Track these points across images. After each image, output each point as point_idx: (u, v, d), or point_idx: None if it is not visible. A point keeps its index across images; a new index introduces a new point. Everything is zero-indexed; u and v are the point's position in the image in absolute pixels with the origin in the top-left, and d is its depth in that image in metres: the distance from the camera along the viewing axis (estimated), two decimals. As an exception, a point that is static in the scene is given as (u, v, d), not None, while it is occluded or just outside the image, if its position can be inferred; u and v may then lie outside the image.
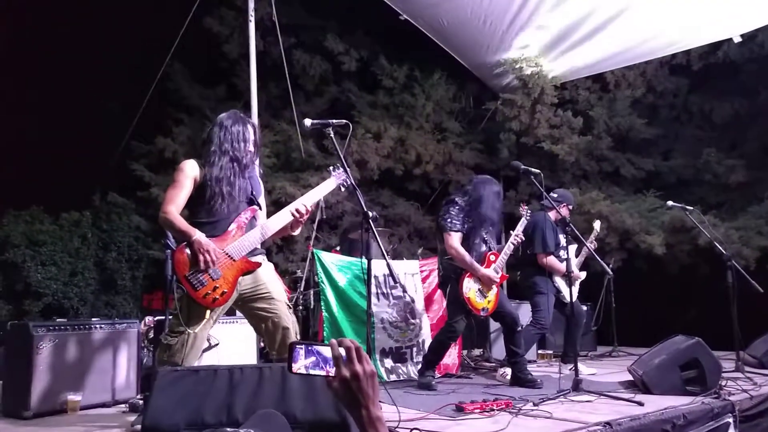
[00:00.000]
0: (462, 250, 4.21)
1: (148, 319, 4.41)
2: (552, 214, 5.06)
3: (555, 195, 5.15)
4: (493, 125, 8.85)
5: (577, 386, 3.72)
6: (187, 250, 2.83)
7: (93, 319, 3.82)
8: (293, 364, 1.21)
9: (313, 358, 1.21)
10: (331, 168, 3.35)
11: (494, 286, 4.32)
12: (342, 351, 1.18)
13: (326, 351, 1.20)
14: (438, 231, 4.45)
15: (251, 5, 6.25)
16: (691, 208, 5.26)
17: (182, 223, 2.88)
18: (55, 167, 8.73)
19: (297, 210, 3.08)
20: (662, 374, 3.87)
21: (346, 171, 3.15)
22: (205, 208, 2.97)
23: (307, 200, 3.16)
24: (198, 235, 2.83)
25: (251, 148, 3.14)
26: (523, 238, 4.60)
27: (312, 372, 1.21)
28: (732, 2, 6.17)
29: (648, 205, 7.83)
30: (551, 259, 5.04)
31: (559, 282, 5.16)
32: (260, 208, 3.18)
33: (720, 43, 7.51)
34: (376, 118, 8.72)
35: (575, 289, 5.16)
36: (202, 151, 3.09)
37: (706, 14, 6.37)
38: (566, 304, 5.13)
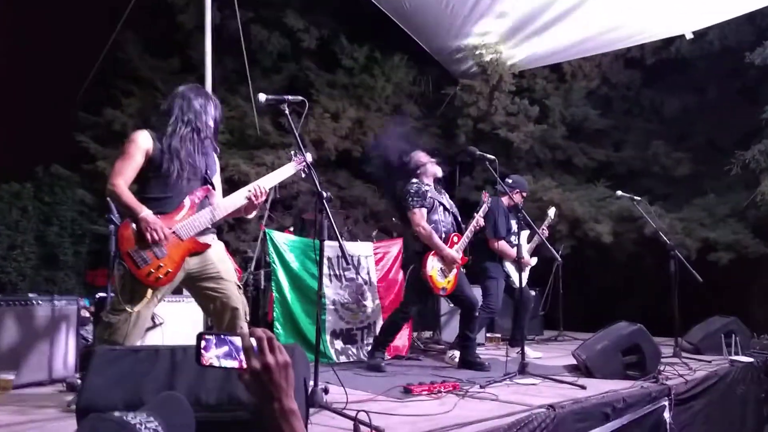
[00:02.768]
0: (429, 228, 4.26)
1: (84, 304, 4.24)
2: (505, 200, 5.13)
3: (509, 181, 5.22)
4: (451, 110, 8.88)
5: (523, 369, 3.80)
6: (133, 226, 2.71)
7: (30, 294, 3.65)
8: (204, 355, 1.15)
9: (225, 348, 1.15)
10: (292, 153, 3.26)
11: (455, 268, 4.36)
12: (253, 341, 1.13)
13: (238, 341, 1.14)
14: (401, 213, 4.47)
15: (208, -25, 6.02)
16: (639, 198, 5.41)
17: (130, 198, 2.75)
18: (-6, 136, 8.30)
19: (253, 193, 3.01)
20: (604, 359, 3.99)
21: (302, 152, 3.07)
22: (157, 182, 2.85)
23: (264, 183, 3.08)
24: (145, 212, 2.72)
25: (211, 123, 3.04)
26: (483, 222, 4.67)
27: (224, 363, 1.15)
28: (685, 0, 6.32)
29: (598, 194, 8.03)
30: (502, 244, 5.12)
31: (509, 267, 5.25)
32: (214, 188, 3.08)
33: (673, 39, 7.71)
34: (335, 98, 8.61)
35: (525, 274, 5.26)
36: (157, 123, 2.96)
37: (660, 10, 6.51)
38: (515, 288, 5.23)
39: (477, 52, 8.01)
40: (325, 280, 4.63)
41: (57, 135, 8.06)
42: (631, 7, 6.55)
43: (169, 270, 2.77)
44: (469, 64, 8.38)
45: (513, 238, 5.21)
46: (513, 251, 5.10)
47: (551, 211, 5.78)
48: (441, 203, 4.44)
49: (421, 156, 4.51)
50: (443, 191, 4.62)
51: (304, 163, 3.14)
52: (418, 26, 7.82)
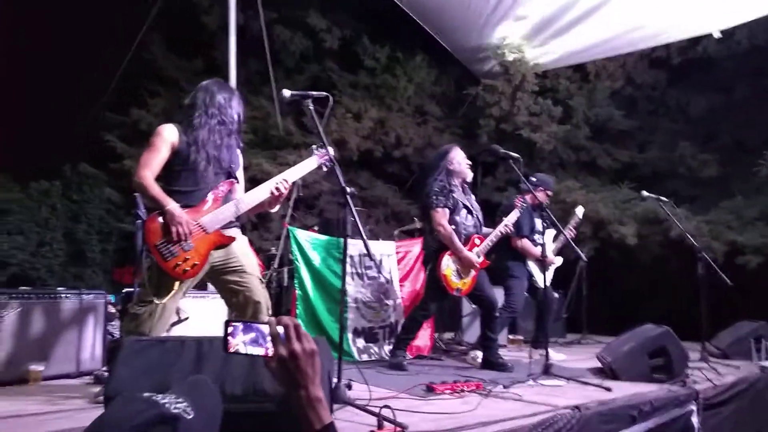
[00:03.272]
0: (449, 228, 4.20)
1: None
2: (529, 199, 5.06)
3: (534, 179, 5.13)
4: (473, 110, 8.84)
5: (547, 370, 3.75)
6: (160, 219, 2.74)
7: (59, 288, 3.72)
8: (230, 342, 1.15)
9: (252, 335, 1.16)
10: (313, 147, 3.25)
11: (472, 271, 4.30)
12: (280, 329, 1.13)
13: (265, 329, 1.15)
14: (423, 210, 4.41)
15: (232, -24, 6.08)
16: (665, 199, 5.31)
17: (157, 190, 2.77)
18: (26, 135, 8.48)
19: (276, 187, 3.02)
20: (630, 361, 3.92)
21: (325, 146, 3.07)
22: (182, 175, 2.88)
23: (287, 177, 3.08)
24: (172, 205, 2.74)
25: (235, 117, 3.07)
26: (512, 229, 4.59)
27: (250, 350, 1.16)
28: (713, -1, 6.22)
29: (622, 196, 7.92)
30: (525, 243, 5.06)
31: (533, 267, 5.20)
32: (238, 182, 3.11)
33: (699, 39, 7.58)
34: (357, 99, 8.64)
35: (549, 274, 5.19)
36: (183, 116, 2.99)
37: (687, 9, 6.41)
38: (538, 289, 5.17)
39: (499, 52, 7.97)
40: (348, 279, 4.64)
41: (85, 134, 8.20)
42: (656, 5, 6.45)
43: (196, 263, 2.79)
44: (491, 64, 8.34)
45: (537, 237, 5.15)
46: (536, 250, 5.04)
47: (579, 210, 5.61)
48: (465, 205, 4.38)
49: (457, 155, 4.42)
50: (470, 193, 4.56)
51: (327, 157, 3.13)
52: (440, 26, 7.80)
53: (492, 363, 4.28)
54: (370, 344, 4.76)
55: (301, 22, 8.78)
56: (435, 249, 4.29)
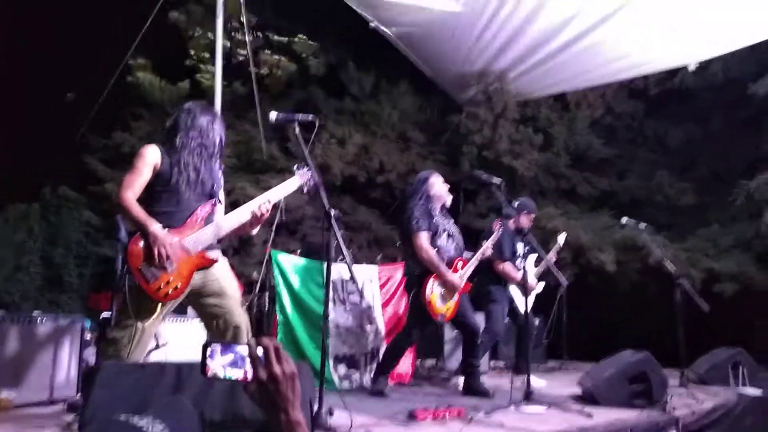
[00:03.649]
0: (432, 251, 4.19)
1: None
2: (512, 223, 5.11)
3: (516, 203, 5.19)
4: (456, 137, 8.95)
5: (528, 397, 3.75)
6: (142, 241, 2.72)
7: (34, 312, 3.65)
8: (209, 365, 1.13)
9: (231, 357, 1.13)
10: (295, 167, 3.25)
11: (456, 294, 4.29)
12: (260, 351, 1.10)
13: (245, 351, 1.12)
14: (404, 235, 4.39)
15: (220, 1, 6.14)
16: (645, 224, 5.40)
17: (139, 212, 2.75)
18: (4, 157, 8.37)
19: (258, 207, 3.01)
20: (611, 387, 3.94)
21: (310, 168, 3.08)
22: (164, 196, 2.86)
23: (269, 197, 3.07)
24: (155, 227, 2.72)
25: (217, 140, 3.07)
26: (492, 251, 4.63)
27: (229, 373, 1.13)
28: (689, 32, 6.41)
29: (602, 223, 8.03)
30: (507, 266, 5.09)
31: (514, 291, 5.22)
32: (220, 203, 3.10)
33: (677, 70, 7.79)
34: (342, 124, 8.71)
35: (530, 299, 5.21)
36: (165, 137, 3.00)
37: (664, 41, 6.61)
38: (519, 314, 5.19)
39: (481, 81, 8.11)
40: (329, 304, 4.60)
41: (65, 157, 8.13)
42: (635, 38, 6.64)
43: (178, 285, 2.76)
44: (473, 92, 8.48)
45: (519, 262, 5.19)
46: (517, 274, 5.07)
47: (561, 237, 5.67)
48: (445, 229, 4.39)
49: (435, 180, 4.44)
50: (449, 217, 4.59)
51: (309, 177, 3.12)
52: (424, 54, 7.93)
53: (474, 389, 4.26)
54: (352, 370, 4.71)
55: (288, 47, 8.88)
56: (418, 274, 4.26)
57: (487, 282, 5.09)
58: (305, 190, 3.19)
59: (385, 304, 5.09)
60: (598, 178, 8.77)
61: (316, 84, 9.27)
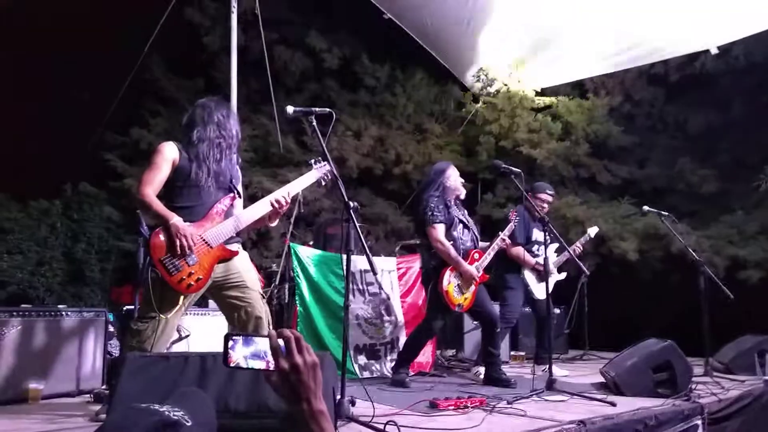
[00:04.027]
0: (447, 243, 4.20)
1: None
2: (529, 209, 5.10)
3: (528, 187, 5.07)
4: (472, 128, 8.88)
5: (550, 386, 3.73)
6: (164, 234, 2.75)
7: (60, 306, 3.71)
8: (231, 356, 1.14)
9: (253, 348, 1.15)
10: (312, 161, 3.28)
11: (473, 285, 4.30)
12: (281, 342, 1.12)
13: (266, 342, 1.14)
14: (420, 227, 4.41)
15: (234, -4, 6.15)
16: (666, 213, 5.32)
17: (159, 207, 2.80)
18: (26, 154, 8.49)
19: (277, 200, 3.04)
20: (635, 376, 3.90)
21: (328, 161, 3.09)
22: (184, 191, 2.90)
23: (288, 190, 3.10)
24: (176, 219, 2.76)
25: (234, 133, 3.08)
26: (509, 241, 4.64)
27: (251, 364, 1.14)
28: (710, 14, 6.28)
29: (623, 211, 7.92)
30: (519, 250, 5.08)
31: (529, 277, 5.17)
32: (240, 197, 3.13)
33: (697, 55, 7.64)
34: (357, 117, 8.70)
35: (549, 287, 5.12)
36: (183, 133, 3.03)
37: (684, 25, 6.48)
38: (537, 301, 5.15)
39: (498, 69, 8.04)
40: (349, 295, 4.61)
41: (85, 154, 8.22)
42: (654, 22, 6.52)
43: (200, 277, 2.80)
44: (490, 81, 8.41)
45: (536, 248, 5.16)
46: (530, 258, 5.08)
47: (592, 230, 5.63)
48: (461, 220, 4.40)
49: (452, 173, 4.44)
50: (463, 208, 4.58)
51: (327, 170, 3.15)
52: (440, 44, 7.88)
53: (495, 379, 4.25)
54: (372, 361, 4.73)
55: (302, 42, 8.87)
56: (435, 266, 4.27)
57: (503, 270, 5.12)
58: (323, 183, 3.22)
59: (404, 295, 5.10)
60: (618, 166, 8.65)
61: (330, 77, 9.26)
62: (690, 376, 3.96)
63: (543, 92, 8.52)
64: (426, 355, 4.95)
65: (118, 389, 2.00)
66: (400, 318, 4.96)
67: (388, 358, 4.78)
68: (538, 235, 5.16)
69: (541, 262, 4.88)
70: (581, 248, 5.45)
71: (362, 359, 4.69)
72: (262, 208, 3.04)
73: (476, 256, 4.34)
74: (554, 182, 8.50)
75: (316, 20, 9.14)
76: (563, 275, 5.51)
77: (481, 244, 4.56)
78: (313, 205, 7.89)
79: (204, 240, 2.84)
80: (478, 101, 8.62)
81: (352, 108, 9.01)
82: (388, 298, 4.93)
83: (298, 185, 3.19)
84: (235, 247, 2.99)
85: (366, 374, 4.62)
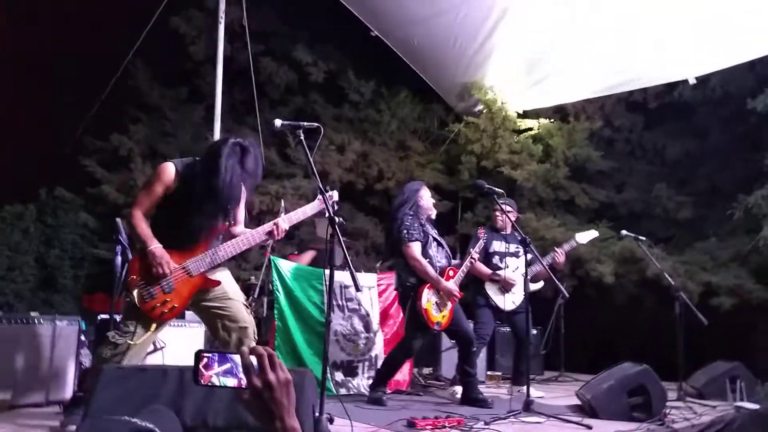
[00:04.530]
0: (424, 261, 4.21)
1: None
2: (499, 221, 5.20)
3: (503, 203, 4.95)
4: (455, 147, 8.96)
5: (527, 407, 3.74)
6: (141, 260, 2.75)
7: (32, 314, 3.61)
8: (203, 373, 1.12)
9: (226, 366, 1.13)
10: (319, 192, 3.11)
11: (450, 302, 4.29)
12: (253, 359, 1.09)
13: (239, 359, 1.11)
14: (395, 245, 4.37)
15: (222, 7, 6.17)
16: (643, 238, 5.40)
17: (144, 230, 2.79)
18: (1, 157, 8.32)
19: (276, 227, 3.03)
20: (610, 399, 3.93)
21: (314, 176, 3.03)
22: (174, 215, 2.84)
23: (289, 219, 3.12)
24: (154, 245, 2.74)
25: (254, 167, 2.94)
26: (478, 257, 4.61)
27: (223, 382, 1.12)
28: (689, 46, 6.46)
29: (600, 234, 8.00)
30: (477, 265, 4.86)
31: (489, 289, 5.03)
32: (235, 223, 3.06)
33: (675, 84, 7.83)
34: (341, 131, 8.72)
35: (516, 297, 5.04)
36: (201, 161, 2.90)
37: (664, 56, 6.65)
38: (511, 316, 5.09)
39: (482, 90, 8.14)
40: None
41: (62, 158, 8.11)
42: (635, 51, 6.68)
43: (175, 305, 2.79)
44: (473, 102, 8.50)
45: (495, 259, 5.07)
46: (485, 270, 4.95)
47: (579, 236, 5.51)
48: (435, 238, 4.42)
49: (425, 192, 4.48)
50: (433, 226, 4.58)
51: (334, 200, 3.19)
52: (425, 63, 7.97)
53: (472, 399, 4.25)
54: (349, 378, 4.70)
55: (288, 55, 8.89)
56: (412, 284, 4.25)
57: (473, 289, 5.09)
58: (326, 214, 3.10)
59: (384, 312, 5.08)
60: (597, 190, 8.77)
61: (315, 90, 9.27)
62: (665, 400, 4.00)
63: (525, 114, 8.63)
64: (403, 373, 4.93)
65: (93, 401, 1.94)
66: (379, 335, 4.94)
67: (366, 375, 4.75)
68: (497, 246, 5.13)
69: (502, 274, 4.90)
70: (562, 257, 5.32)
71: (339, 375, 4.64)
72: (258, 236, 3.02)
73: (451, 273, 4.36)
74: (533, 203, 8.61)
75: (303, 33, 9.17)
76: (539, 285, 5.38)
77: (454, 261, 4.60)
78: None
79: (184, 268, 2.82)
80: (461, 121, 8.70)
81: (336, 122, 9.03)
82: (367, 315, 4.91)
83: (299, 214, 3.19)
84: (219, 275, 2.95)
85: (343, 391, 4.57)
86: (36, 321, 3.49)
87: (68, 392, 3.56)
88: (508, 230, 5.18)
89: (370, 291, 5.04)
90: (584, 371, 6.53)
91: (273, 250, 6.72)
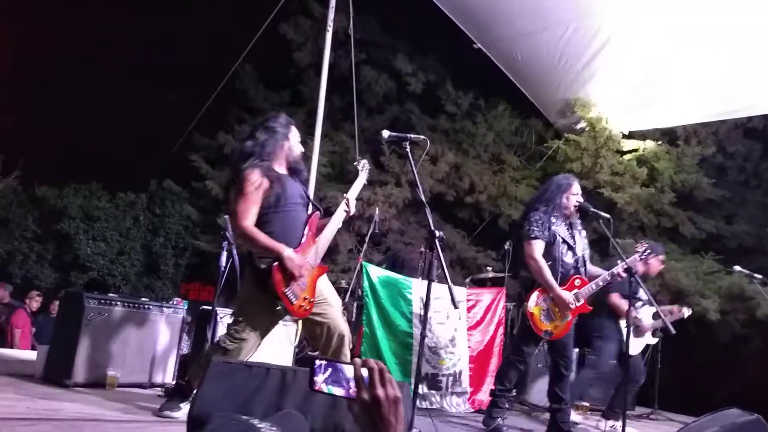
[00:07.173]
0: (542, 262, 3.76)
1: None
2: (640, 267, 4.28)
3: (645, 245, 4.13)
4: (552, 164, 8.69)
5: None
6: (280, 268, 2.75)
7: (143, 299, 3.85)
8: (314, 379, 1.13)
9: (335, 373, 1.13)
10: (356, 163, 3.41)
11: (568, 314, 3.83)
12: (364, 372, 1.08)
13: (349, 370, 1.11)
14: (520, 241, 3.98)
15: (331, 16, 6.32)
16: (759, 276, 4.99)
17: (266, 239, 2.77)
18: (120, 149, 8.98)
19: (347, 204, 3.14)
20: (713, 447, 3.64)
21: (417, 188, 2.99)
22: (275, 217, 2.86)
23: (352, 195, 3.21)
24: (287, 251, 2.75)
25: (296, 151, 3.09)
26: (624, 276, 3.84)
27: (332, 390, 1.12)
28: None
29: (706, 267, 7.50)
30: (617, 298, 4.55)
31: (625, 330, 4.77)
32: (318, 210, 3.17)
33: (800, 112, 7.22)
34: (435, 142, 8.71)
35: (639, 343, 4.82)
36: (256, 155, 2.93)
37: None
38: (624, 355, 4.77)
39: (585, 108, 7.86)
40: (415, 321, 4.57)
41: (173, 153, 8.62)
42: (753, 75, 6.21)
43: (312, 299, 2.89)
44: (575, 119, 8.22)
45: (638, 304, 4.70)
46: (624, 307, 4.24)
47: (686, 311, 5.29)
48: (565, 240, 3.88)
49: (568, 186, 3.99)
50: (580, 230, 4.05)
51: (369, 167, 3.35)
52: (527, 77, 7.79)
53: (561, 430, 3.96)
54: (432, 391, 4.63)
55: (388, 65, 9.01)
56: (528, 286, 3.90)
57: (599, 314, 4.53)
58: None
59: (471, 328, 4.99)
60: (704, 220, 8.23)
61: (412, 100, 9.34)
62: (775, 455, 3.66)
63: (631, 135, 8.24)
64: (486, 392, 4.81)
65: (201, 393, 2.02)
66: (466, 350, 4.86)
67: (449, 390, 4.67)
68: (642, 293, 4.73)
69: (639, 317, 4.61)
70: (669, 318, 4.84)
71: (422, 388, 4.59)
72: (340, 216, 3.11)
73: (577, 282, 3.82)
74: (633, 228, 8.19)
75: (404, 44, 9.27)
76: (656, 339, 5.12)
77: (591, 270, 4.01)
78: (382, 225, 7.93)
79: (308, 262, 2.89)
80: (561, 138, 8.44)
81: (431, 133, 9.04)
82: (455, 329, 4.84)
83: (355, 189, 3.26)
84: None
85: (425, 404, 4.52)
86: (147, 306, 3.70)
87: (168, 377, 3.75)
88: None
89: (459, 305, 4.97)
90: (678, 410, 6.13)
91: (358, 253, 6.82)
